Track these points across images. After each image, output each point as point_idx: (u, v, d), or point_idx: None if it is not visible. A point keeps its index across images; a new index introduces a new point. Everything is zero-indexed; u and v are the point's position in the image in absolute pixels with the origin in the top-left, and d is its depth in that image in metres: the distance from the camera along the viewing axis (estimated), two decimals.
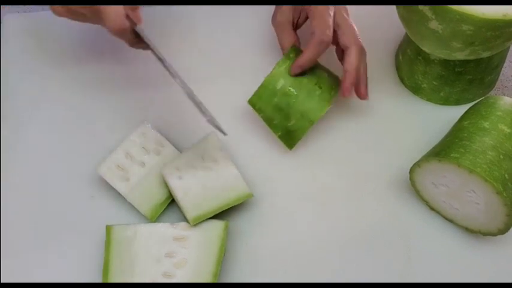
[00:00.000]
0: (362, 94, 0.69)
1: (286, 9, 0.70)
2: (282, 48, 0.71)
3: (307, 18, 0.70)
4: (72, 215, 0.64)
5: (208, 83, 0.74)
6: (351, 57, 0.66)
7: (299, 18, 0.71)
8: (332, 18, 0.65)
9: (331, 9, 0.65)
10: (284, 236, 0.64)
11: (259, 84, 0.67)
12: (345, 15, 0.67)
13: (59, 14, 0.63)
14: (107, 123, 0.71)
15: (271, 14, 0.71)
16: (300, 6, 0.69)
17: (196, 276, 0.58)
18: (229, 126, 0.71)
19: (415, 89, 0.75)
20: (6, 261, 0.61)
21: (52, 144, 0.70)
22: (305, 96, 0.66)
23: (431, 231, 0.64)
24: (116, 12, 0.59)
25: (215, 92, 0.73)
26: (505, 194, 0.56)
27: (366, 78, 0.69)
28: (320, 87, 0.67)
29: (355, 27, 0.67)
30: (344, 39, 0.66)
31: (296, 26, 0.72)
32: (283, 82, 0.67)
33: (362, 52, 0.67)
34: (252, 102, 0.68)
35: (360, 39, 0.67)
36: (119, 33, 0.61)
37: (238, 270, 0.61)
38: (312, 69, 0.67)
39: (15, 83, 0.75)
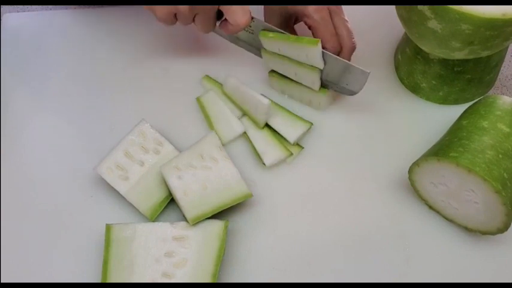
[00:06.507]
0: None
1: (272, 15, 0.71)
2: None
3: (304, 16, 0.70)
4: (72, 215, 0.64)
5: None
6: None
7: (295, 18, 0.72)
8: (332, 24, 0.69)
9: (326, 13, 0.68)
10: (284, 236, 0.63)
11: None
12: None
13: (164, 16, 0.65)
14: (106, 123, 0.71)
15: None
16: (291, 11, 0.70)
17: (195, 276, 0.58)
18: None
19: (414, 89, 0.75)
20: (6, 261, 0.61)
21: (52, 144, 0.70)
22: None
23: (430, 231, 0.64)
24: (243, 10, 0.63)
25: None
26: (503, 193, 0.56)
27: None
28: None
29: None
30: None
31: (294, 22, 0.73)
32: None
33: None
34: None
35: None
36: (240, 29, 0.65)
37: (238, 270, 0.61)
38: None
39: (15, 82, 0.75)
